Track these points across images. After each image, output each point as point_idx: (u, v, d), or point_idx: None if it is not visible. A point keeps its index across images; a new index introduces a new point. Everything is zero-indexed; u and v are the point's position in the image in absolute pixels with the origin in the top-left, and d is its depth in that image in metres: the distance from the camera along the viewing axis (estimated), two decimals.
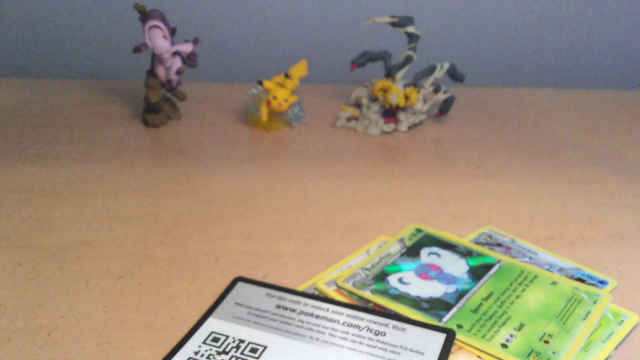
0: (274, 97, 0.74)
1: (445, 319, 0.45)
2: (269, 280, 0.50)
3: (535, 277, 0.50)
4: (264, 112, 0.75)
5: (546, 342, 0.43)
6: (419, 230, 0.56)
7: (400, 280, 0.49)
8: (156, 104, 0.76)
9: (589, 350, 0.42)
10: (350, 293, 0.48)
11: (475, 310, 0.46)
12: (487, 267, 0.51)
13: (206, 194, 0.63)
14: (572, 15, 1.00)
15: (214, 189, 0.64)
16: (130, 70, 0.86)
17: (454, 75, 0.79)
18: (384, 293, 0.47)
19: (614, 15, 1.01)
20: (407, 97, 0.76)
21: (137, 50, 0.72)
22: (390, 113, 0.78)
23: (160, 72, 0.75)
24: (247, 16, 0.96)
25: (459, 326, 0.44)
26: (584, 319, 0.45)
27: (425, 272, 0.50)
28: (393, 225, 0.58)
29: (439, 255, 0.52)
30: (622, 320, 0.45)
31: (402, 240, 0.54)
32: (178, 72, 0.75)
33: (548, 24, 1.01)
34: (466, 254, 0.52)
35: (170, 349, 0.43)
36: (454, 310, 0.46)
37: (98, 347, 0.43)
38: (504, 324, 0.45)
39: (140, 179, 0.65)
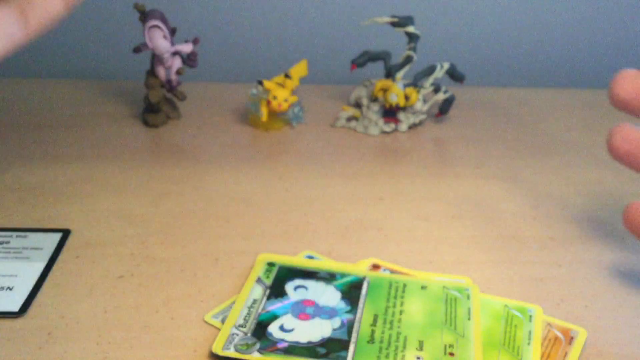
0: (274, 97, 0.74)
1: None
2: None
3: (405, 285, 0.48)
4: (264, 112, 0.75)
5: (451, 354, 0.41)
6: (271, 265, 0.51)
7: (282, 328, 0.44)
8: (156, 104, 0.76)
9: None
10: None
11: (371, 341, 0.43)
12: (356, 286, 0.48)
13: (206, 194, 0.63)
14: (572, 15, 1.00)
15: (214, 189, 0.64)
16: (130, 70, 0.86)
17: (454, 75, 0.79)
18: (273, 350, 0.42)
19: (614, 15, 1.01)
20: (407, 97, 0.76)
21: (137, 50, 0.72)
22: (390, 113, 0.78)
23: (160, 72, 0.74)
24: (247, 16, 0.96)
25: None
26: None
27: (302, 311, 0.45)
28: (393, 225, 0.58)
29: (305, 287, 0.48)
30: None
31: (259, 280, 0.49)
32: (178, 72, 0.75)
33: (548, 23, 1.00)
34: (329, 278, 0.49)
35: (170, 348, 0.43)
36: (352, 347, 0.42)
37: (98, 347, 0.43)
38: (404, 347, 0.42)
39: (140, 179, 0.65)
